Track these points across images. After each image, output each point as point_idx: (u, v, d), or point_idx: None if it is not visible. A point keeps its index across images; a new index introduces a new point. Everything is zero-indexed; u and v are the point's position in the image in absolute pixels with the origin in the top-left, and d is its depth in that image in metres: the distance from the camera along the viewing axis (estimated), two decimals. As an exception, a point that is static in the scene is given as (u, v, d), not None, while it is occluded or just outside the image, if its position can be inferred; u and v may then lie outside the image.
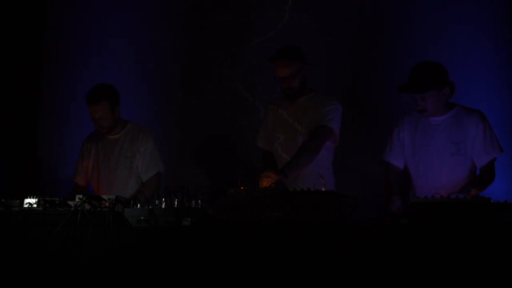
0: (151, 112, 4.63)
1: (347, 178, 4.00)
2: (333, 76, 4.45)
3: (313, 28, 4.55)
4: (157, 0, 4.82)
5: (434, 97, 3.24)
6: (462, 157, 3.29)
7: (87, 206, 2.48)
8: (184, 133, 4.65)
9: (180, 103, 4.68)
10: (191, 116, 4.64)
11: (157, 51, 4.74)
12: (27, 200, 2.57)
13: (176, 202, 2.52)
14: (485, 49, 4.32)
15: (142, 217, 2.45)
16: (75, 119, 4.57)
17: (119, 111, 3.72)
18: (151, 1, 4.82)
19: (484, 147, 3.29)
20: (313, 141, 3.37)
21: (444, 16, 4.40)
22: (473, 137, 3.29)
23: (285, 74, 3.45)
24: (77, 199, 2.53)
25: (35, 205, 2.55)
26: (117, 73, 4.57)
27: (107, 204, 2.50)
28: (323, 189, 2.58)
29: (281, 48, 3.52)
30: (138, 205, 2.55)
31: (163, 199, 2.54)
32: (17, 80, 4.58)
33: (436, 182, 3.28)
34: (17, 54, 4.60)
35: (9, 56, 4.53)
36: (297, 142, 3.44)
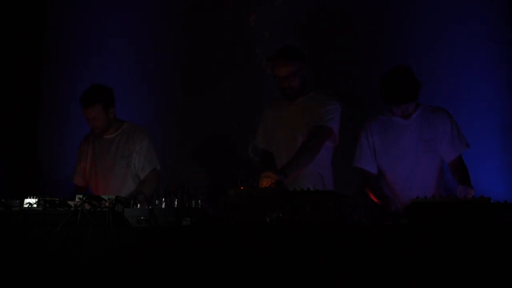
0: (151, 112, 4.63)
1: (347, 178, 3.99)
2: (333, 75, 4.45)
3: (313, 28, 4.55)
4: (157, 0, 4.82)
5: (414, 101, 3.33)
6: (433, 154, 3.36)
7: (87, 206, 2.48)
8: (184, 133, 4.65)
9: (180, 103, 4.68)
10: (191, 116, 4.65)
11: (157, 51, 4.74)
12: (27, 200, 2.57)
13: (176, 202, 2.52)
14: (485, 49, 4.32)
15: (142, 217, 2.45)
16: (75, 119, 4.56)
17: (114, 111, 3.72)
18: (151, 1, 4.82)
19: (452, 144, 3.36)
20: (313, 141, 3.37)
21: (444, 16, 4.40)
22: (441, 134, 3.36)
23: (285, 74, 3.44)
24: (77, 199, 2.53)
25: (35, 205, 2.55)
26: (117, 73, 4.57)
27: (107, 204, 2.50)
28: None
29: (281, 48, 3.51)
30: (138, 205, 2.55)
31: (163, 199, 2.54)
32: (17, 80, 4.58)
33: (411, 180, 3.34)
34: (17, 54, 4.60)
35: (9, 56, 4.53)
36: (297, 142, 3.44)
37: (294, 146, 3.42)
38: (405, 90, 3.25)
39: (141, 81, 4.70)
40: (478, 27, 4.34)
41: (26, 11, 4.67)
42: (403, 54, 4.34)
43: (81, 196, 2.52)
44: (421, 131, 3.37)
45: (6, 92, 4.48)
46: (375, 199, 3.33)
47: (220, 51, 4.66)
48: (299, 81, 3.48)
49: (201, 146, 4.63)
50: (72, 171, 3.92)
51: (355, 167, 3.50)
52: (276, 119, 3.63)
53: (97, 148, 3.79)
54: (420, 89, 3.29)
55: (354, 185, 4.04)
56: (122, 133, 3.78)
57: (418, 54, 4.36)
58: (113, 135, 3.78)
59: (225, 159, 4.55)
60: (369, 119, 3.51)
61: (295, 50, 3.50)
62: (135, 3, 4.81)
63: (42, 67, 4.84)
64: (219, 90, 4.62)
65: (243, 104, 4.56)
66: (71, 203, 2.54)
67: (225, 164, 4.50)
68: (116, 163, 3.72)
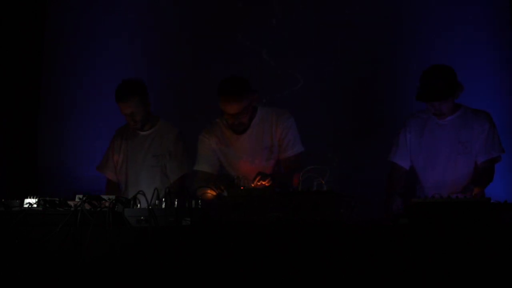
0: (151, 111, 4.62)
1: (347, 178, 4.00)
2: (334, 77, 4.45)
3: (315, 30, 4.54)
4: (157, 0, 4.82)
5: (450, 101, 3.30)
6: (468, 156, 3.35)
7: (87, 206, 2.48)
8: (184, 133, 4.65)
9: (180, 103, 4.68)
10: (192, 116, 4.64)
11: (157, 52, 4.74)
12: (27, 200, 2.57)
13: (176, 202, 2.52)
14: (486, 49, 4.32)
15: (142, 217, 2.45)
16: (75, 119, 4.57)
17: (150, 105, 3.69)
18: (151, 1, 4.82)
19: (485, 146, 3.34)
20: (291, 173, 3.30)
21: (444, 16, 4.40)
22: (477, 135, 3.35)
23: (234, 111, 3.30)
24: (77, 199, 2.53)
25: (35, 205, 2.55)
26: (117, 73, 4.55)
27: (107, 204, 2.50)
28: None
29: (226, 83, 3.33)
30: (138, 205, 2.55)
31: (163, 199, 2.54)
32: (17, 81, 4.57)
33: (442, 181, 3.34)
34: (17, 54, 4.60)
35: (9, 56, 4.53)
36: (257, 168, 3.34)
37: (254, 170, 3.27)
38: (434, 89, 3.23)
39: (142, 79, 4.70)
40: (479, 27, 4.34)
41: (26, 11, 4.67)
42: (403, 54, 4.35)
43: (81, 196, 2.53)
44: (457, 132, 3.36)
45: (6, 92, 4.48)
46: (386, 191, 3.35)
47: (221, 50, 4.66)
48: (249, 116, 3.38)
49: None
50: (101, 164, 3.82)
51: (390, 161, 3.50)
52: (223, 155, 3.52)
53: (130, 144, 3.74)
54: (457, 90, 3.26)
55: (354, 185, 4.05)
56: (156, 131, 3.72)
57: (418, 54, 4.36)
58: (148, 132, 3.72)
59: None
60: (410, 115, 3.50)
61: (242, 84, 3.33)
62: (135, 3, 4.81)
63: (42, 67, 4.83)
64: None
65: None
66: (71, 203, 2.55)
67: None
68: (147, 161, 3.68)
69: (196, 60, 4.70)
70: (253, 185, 3.01)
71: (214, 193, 3.07)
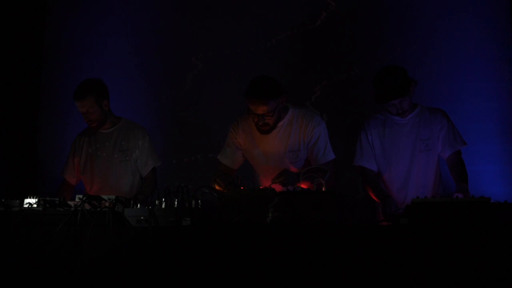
0: (151, 111, 4.63)
1: (347, 178, 4.00)
2: (332, 75, 4.45)
3: (311, 29, 4.55)
4: (157, 0, 4.82)
5: (408, 97, 3.33)
6: (430, 153, 3.38)
7: (87, 206, 2.48)
8: (185, 133, 4.65)
9: (181, 102, 4.68)
10: (192, 115, 4.64)
11: (157, 50, 4.74)
12: (27, 200, 2.57)
13: (176, 202, 2.52)
14: (485, 49, 4.32)
15: (142, 217, 2.46)
16: (75, 119, 4.55)
17: (108, 104, 3.70)
18: (151, 1, 4.82)
19: (447, 141, 3.37)
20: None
21: (444, 16, 4.40)
22: (437, 132, 3.38)
23: (262, 112, 3.29)
24: (77, 199, 2.53)
25: (35, 205, 2.55)
26: (117, 73, 4.57)
27: (107, 204, 2.50)
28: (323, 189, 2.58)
29: (257, 84, 3.30)
30: (138, 205, 2.55)
31: (163, 199, 2.54)
32: (17, 80, 4.57)
33: (407, 179, 3.36)
34: (17, 54, 4.60)
35: (9, 56, 4.53)
36: (282, 167, 3.32)
37: (279, 168, 3.28)
38: (391, 88, 3.26)
39: (140, 80, 4.70)
40: (478, 27, 4.34)
41: (25, 10, 4.67)
42: (402, 54, 4.35)
43: (81, 196, 2.53)
44: (418, 130, 3.39)
45: (6, 92, 4.48)
46: (375, 198, 3.34)
47: (221, 50, 4.66)
48: (275, 117, 3.35)
49: (202, 146, 4.63)
50: (63, 167, 3.85)
51: (356, 166, 3.49)
52: (250, 151, 3.51)
53: (93, 143, 3.77)
54: (410, 86, 3.28)
55: (354, 185, 4.06)
56: (120, 128, 3.76)
57: (417, 54, 4.36)
58: (111, 129, 3.76)
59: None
60: (368, 118, 3.52)
61: (272, 84, 3.30)
62: (135, 3, 4.81)
63: (41, 66, 4.83)
64: (221, 89, 4.62)
65: (244, 103, 4.55)
66: (71, 203, 2.55)
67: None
68: (115, 157, 3.71)
69: (197, 59, 4.70)
70: (272, 184, 2.98)
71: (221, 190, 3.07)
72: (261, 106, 3.27)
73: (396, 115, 3.38)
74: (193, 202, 2.50)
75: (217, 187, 3.19)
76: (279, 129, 3.41)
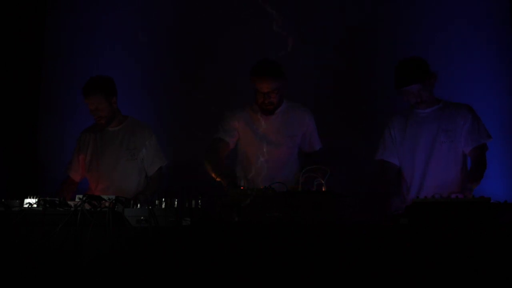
0: (151, 111, 4.62)
1: (346, 178, 3.99)
2: (328, 75, 4.45)
3: (309, 26, 4.54)
4: (156, 1, 4.82)
5: (427, 87, 3.33)
6: (452, 145, 3.35)
7: (87, 206, 2.48)
8: (185, 132, 4.65)
9: (181, 102, 4.68)
10: (192, 115, 4.64)
11: (159, 49, 4.74)
12: (27, 200, 2.57)
13: (176, 202, 2.52)
14: (485, 49, 4.32)
15: (142, 217, 2.46)
16: (75, 119, 4.56)
17: (116, 101, 3.70)
18: (151, 1, 4.82)
19: (471, 135, 3.35)
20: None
21: (444, 16, 4.40)
22: (461, 125, 3.36)
23: (268, 90, 3.45)
24: (77, 199, 2.53)
25: (35, 205, 2.55)
26: (117, 72, 4.54)
27: (107, 204, 2.50)
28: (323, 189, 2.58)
29: (264, 63, 3.51)
30: (138, 205, 2.55)
31: (163, 199, 2.54)
32: (17, 80, 4.57)
33: (426, 171, 3.34)
34: (17, 53, 4.60)
35: (9, 55, 4.53)
36: (282, 154, 3.53)
37: (279, 158, 3.48)
38: (410, 73, 3.29)
39: (142, 79, 4.70)
40: (478, 27, 4.34)
41: (25, 10, 4.67)
42: (401, 54, 4.32)
43: (81, 196, 2.53)
44: (440, 121, 3.38)
45: (6, 91, 4.48)
46: (386, 192, 3.35)
47: (222, 49, 4.66)
48: (279, 97, 3.52)
49: (202, 146, 4.63)
50: (67, 164, 3.83)
51: (378, 160, 3.51)
52: (248, 133, 3.63)
53: (99, 140, 3.75)
54: (431, 77, 3.30)
55: (353, 185, 4.05)
56: (126, 126, 3.75)
57: (417, 54, 4.35)
58: (118, 127, 3.74)
59: (226, 159, 4.54)
60: (392, 115, 3.54)
61: (278, 66, 3.50)
62: (135, 3, 4.81)
63: (42, 66, 4.83)
64: (221, 88, 4.62)
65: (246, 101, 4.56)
66: (71, 203, 2.55)
67: (226, 164, 4.50)
68: (121, 154, 3.69)
69: (197, 60, 4.71)
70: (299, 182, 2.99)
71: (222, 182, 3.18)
72: (269, 83, 3.43)
73: (415, 104, 3.37)
74: (193, 202, 2.50)
75: (217, 179, 3.29)
76: (278, 114, 3.58)
